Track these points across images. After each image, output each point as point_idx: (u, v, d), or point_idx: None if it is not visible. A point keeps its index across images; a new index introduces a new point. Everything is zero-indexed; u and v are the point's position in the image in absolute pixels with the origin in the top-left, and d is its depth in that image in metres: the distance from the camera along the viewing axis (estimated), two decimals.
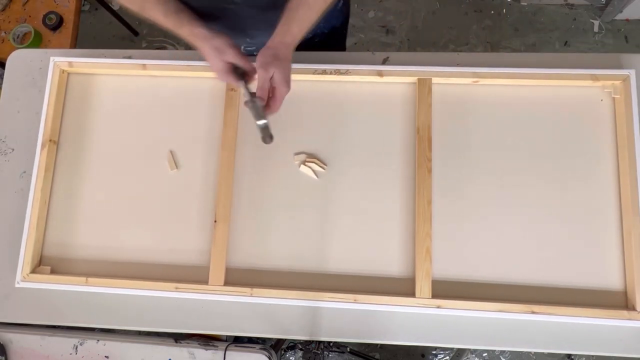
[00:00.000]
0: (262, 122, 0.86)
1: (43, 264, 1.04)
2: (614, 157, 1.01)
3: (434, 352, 1.89)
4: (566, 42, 2.15)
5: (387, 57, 1.10)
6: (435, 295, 0.94)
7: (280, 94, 0.85)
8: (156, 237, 1.04)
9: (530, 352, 1.88)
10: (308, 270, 1.00)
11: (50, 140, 1.06)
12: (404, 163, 1.03)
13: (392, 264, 0.99)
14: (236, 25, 0.94)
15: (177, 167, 1.07)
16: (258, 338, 1.25)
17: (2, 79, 1.33)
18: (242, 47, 1.03)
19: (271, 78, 0.83)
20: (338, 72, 1.06)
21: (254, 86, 0.87)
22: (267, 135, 0.88)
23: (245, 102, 0.86)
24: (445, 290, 0.96)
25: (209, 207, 1.04)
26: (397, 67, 1.05)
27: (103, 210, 1.06)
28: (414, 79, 1.05)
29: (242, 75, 0.89)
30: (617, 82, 1.02)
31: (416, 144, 1.02)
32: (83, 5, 2.17)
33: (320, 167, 1.04)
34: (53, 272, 1.03)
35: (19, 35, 1.59)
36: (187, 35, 0.87)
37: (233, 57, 0.85)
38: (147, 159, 1.08)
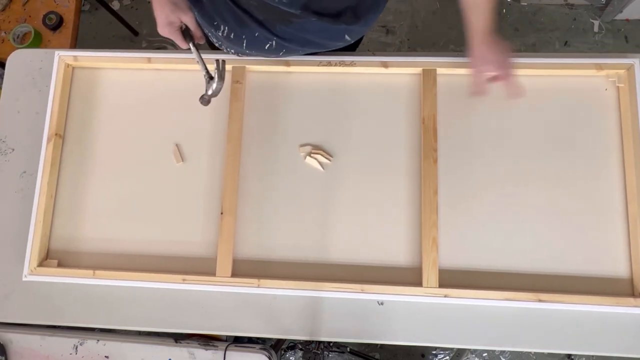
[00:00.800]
0: (213, 87, 0.92)
1: (50, 257, 1.05)
2: (619, 145, 1.01)
3: (434, 352, 1.89)
4: (566, 42, 2.15)
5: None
6: (443, 284, 0.95)
7: (511, 78, 0.95)
8: (163, 229, 1.04)
9: (530, 352, 1.88)
10: (315, 261, 1.01)
11: (56, 134, 1.07)
12: (409, 154, 1.04)
13: (398, 254, 1.00)
14: (299, 38, 0.96)
15: (183, 160, 1.08)
16: (258, 338, 1.24)
17: (2, 79, 1.33)
18: (281, 53, 1.04)
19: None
20: (343, 64, 1.06)
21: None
22: (208, 98, 0.94)
23: (197, 62, 0.93)
24: (452, 279, 0.97)
25: (215, 199, 1.04)
26: (402, 58, 1.06)
27: (109, 204, 1.07)
28: (418, 70, 1.06)
29: (192, 39, 0.94)
30: (622, 71, 1.02)
31: (422, 134, 1.02)
32: (83, 5, 2.17)
33: (326, 158, 1.04)
34: (60, 265, 1.03)
35: (19, 35, 1.59)
36: None
37: (188, 19, 0.90)
38: (153, 152, 1.08)
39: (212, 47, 1.17)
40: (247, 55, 1.06)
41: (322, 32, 0.95)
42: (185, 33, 0.93)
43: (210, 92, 0.93)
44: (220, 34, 0.98)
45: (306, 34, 0.95)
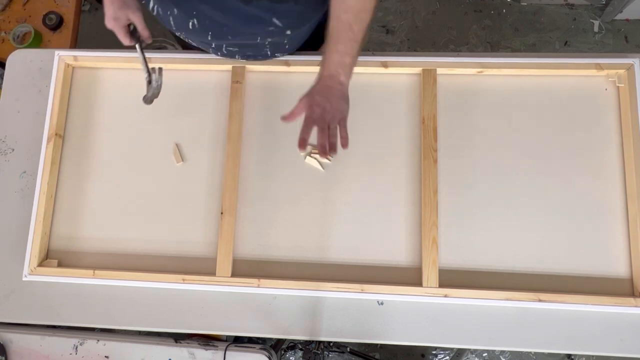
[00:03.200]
0: (150, 91, 0.97)
1: (50, 257, 1.05)
2: (619, 145, 1.01)
3: (434, 352, 1.89)
4: (566, 42, 2.15)
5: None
6: (442, 284, 0.95)
7: (343, 132, 0.85)
8: (163, 229, 1.04)
9: (530, 352, 1.88)
10: (315, 260, 1.01)
11: (56, 134, 1.07)
12: (409, 153, 1.04)
13: (398, 254, 1.00)
14: (218, 18, 0.89)
15: (183, 160, 1.08)
16: (258, 338, 1.24)
17: (2, 79, 1.33)
18: (224, 47, 1.01)
19: (323, 117, 0.84)
20: None
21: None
22: (149, 99, 0.97)
23: (142, 61, 0.97)
24: (452, 279, 0.97)
25: (215, 199, 1.04)
26: (402, 58, 1.06)
27: (109, 204, 1.07)
28: (418, 70, 1.06)
29: (138, 39, 0.97)
30: (622, 71, 1.03)
31: (421, 134, 1.02)
32: (83, 5, 2.17)
33: (326, 158, 1.04)
34: (60, 265, 1.03)
35: (19, 35, 1.58)
36: None
37: (136, 18, 0.93)
38: (153, 152, 1.08)
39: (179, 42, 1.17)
40: (189, 40, 1.03)
41: (240, 11, 0.86)
42: (133, 32, 0.96)
43: (150, 94, 0.97)
44: (151, 9, 0.96)
45: (226, 14, 0.88)
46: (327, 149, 0.83)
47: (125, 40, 0.97)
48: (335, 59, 0.82)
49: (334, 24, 0.80)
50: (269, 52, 1.04)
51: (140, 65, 0.98)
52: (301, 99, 0.85)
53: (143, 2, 0.97)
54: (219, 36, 0.95)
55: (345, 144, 0.85)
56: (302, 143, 0.83)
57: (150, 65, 0.98)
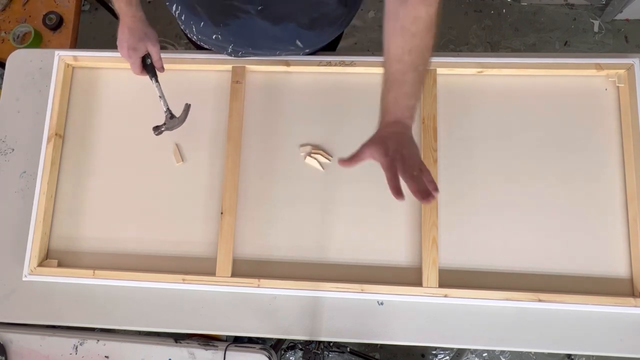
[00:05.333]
0: (172, 124, 1.00)
1: (50, 257, 1.05)
2: (619, 145, 1.01)
3: (434, 352, 1.89)
4: (566, 42, 2.15)
5: None
6: (442, 284, 0.95)
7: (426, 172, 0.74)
8: (163, 229, 1.04)
9: (530, 352, 1.88)
10: (315, 260, 1.01)
11: (56, 134, 1.07)
12: None
13: (398, 254, 1.00)
14: (244, 34, 0.94)
15: (182, 160, 1.08)
16: (258, 338, 1.24)
17: (2, 79, 1.33)
18: (240, 53, 1.03)
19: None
20: (343, 64, 1.06)
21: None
22: (162, 131, 1.00)
23: (160, 97, 1.00)
24: (452, 279, 0.97)
25: (215, 199, 1.05)
26: None
27: (109, 204, 1.07)
28: None
29: (153, 70, 0.99)
30: (622, 71, 1.03)
31: (422, 134, 1.02)
32: (83, 5, 2.17)
33: (326, 158, 1.04)
34: (60, 265, 1.03)
35: (19, 35, 1.58)
36: (127, 13, 0.90)
37: (155, 50, 0.95)
38: (153, 152, 1.09)
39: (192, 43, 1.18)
40: (204, 43, 1.05)
41: (268, 31, 0.91)
42: (148, 65, 0.98)
43: (167, 127, 1.00)
44: (174, 12, 0.98)
45: (253, 31, 0.92)
46: (426, 195, 0.72)
47: (138, 72, 0.97)
48: (402, 104, 0.75)
49: (397, 68, 0.73)
50: (281, 57, 1.08)
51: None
52: (366, 145, 0.77)
53: (167, 3, 0.98)
54: (239, 46, 1.00)
55: (435, 189, 0.74)
56: (398, 191, 0.72)
57: (167, 97, 1.01)
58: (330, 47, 1.19)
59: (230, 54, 1.06)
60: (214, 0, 0.85)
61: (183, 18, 0.97)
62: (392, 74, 0.74)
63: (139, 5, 0.92)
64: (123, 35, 0.93)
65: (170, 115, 1.01)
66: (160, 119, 1.02)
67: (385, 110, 0.77)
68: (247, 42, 0.98)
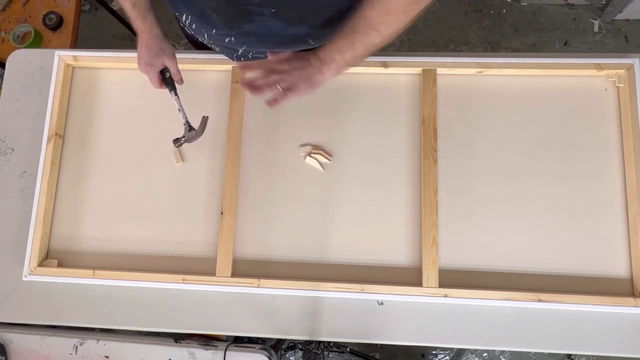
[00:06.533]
0: (191, 137, 1.01)
1: (50, 257, 1.05)
2: (619, 145, 1.01)
3: (434, 352, 1.89)
4: (566, 42, 2.15)
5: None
6: (442, 284, 0.95)
7: (288, 95, 0.82)
8: (163, 229, 1.04)
9: (530, 352, 1.88)
10: (315, 261, 1.01)
11: (56, 134, 1.07)
12: (409, 153, 1.04)
13: (398, 254, 1.00)
14: (258, 35, 0.94)
15: (183, 160, 1.08)
16: (258, 338, 1.24)
17: (2, 79, 1.33)
18: (251, 54, 1.03)
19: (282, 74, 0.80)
20: None
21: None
22: (182, 143, 1.01)
23: (179, 109, 1.00)
24: (452, 279, 0.97)
25: (215, 199, 1.05)
26: (402, 58, 1.06)
27: (110, 204, 1.07)
28: (418, 70, 1.06)
29: (172, 83, 1.00)
30: (622, 71, 1.03)
31: (421, 134, 1.02)
32: (83, 5, 2.17)
33: (326, 158, 1.04)
34: (60, 265, 1.03)
35: (19, 35, 1.58)
36: (144, 30, 0.91)
37: (171, 64, 0.97)
38: (153, 152, 1.09)
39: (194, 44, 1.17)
40: (215, 47, 1.05)
41: (282, 32, 0.92)
42: (167, 78, 0.99)
43: (187, 139, 1.01)
44: (184, 21, 0.98)
45: (267, 32, 0.92)
46: (255, 87, 0.80)
47: (157, 86, 0.99)
48: (339, 44, 0.78)
49: (355, 21, 0.75)
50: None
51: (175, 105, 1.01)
52: (278, 54, 0.83)
53: (177, 13, 0.99)
54: (252, 46, 0.99)
55: (271, 104, 0.81)
56: (249, 85, 0.79)
57: (186, 110, 1.02)
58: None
59: (240, 56, 1.05)
60: (228, 6, 0.85)
61: (194, 27, 0.97)
62: (348, 24, 0.76)
63: (154, 22, 0.93)
64: (141, 51, 0.95)
65: (189, 128, 1.01)
66: (158, 122, 1.02)
67: (322, 46, 0.81)
68: (260, 43, 0.98)
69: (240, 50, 1.02)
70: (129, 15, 0.90)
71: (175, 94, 1.01)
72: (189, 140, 1.02)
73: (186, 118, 1.01)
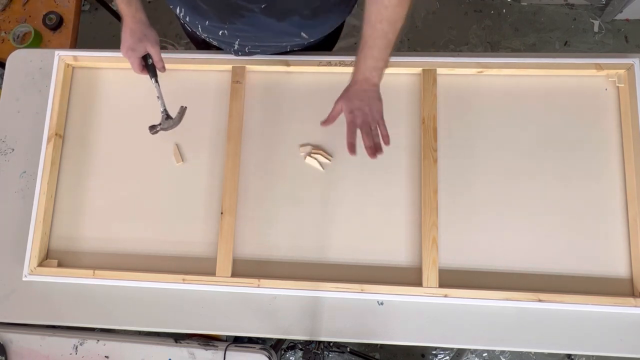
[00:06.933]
0: (167, 125, 1.02)
1: (50, 257, 1.05)
2: (619, 145, 1.02)
3: (434, 352, 1.89)
4: (566, 42, 2.15)
5: None
6: (442, 284, 0.95)
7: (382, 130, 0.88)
8: (163, 229, 1.04)
9: (530, 352, 1.88)
10: (314, 261, 1.01)
11: (56, 134, 1.07)
12: (409, 153, 1.04)
13: (398, 254, 1.00)
14: (250, 31, 0.95)
15: (182, 160, 1.08)
16: (258, 338, 1.24)
17: (2, 79, 1.33)
18: (247, 48, 1.03)
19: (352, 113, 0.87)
20: (343, 64, 1.06)
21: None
22: (158, 130, 1.02)
23: (157, 97, 1.01)
24: (452, 279, 0.97)
25: (215, 199, 1.05)
26: (402, 58, 1.06)
27: (110, 204, 1.07)
28: (418, 70, 1.06)
29: (154, 70, 1.00)
30: (622, 71, 1.03)
31: (421, 134, 1.02)
32: (83, 5, 2.17)
33: (326, 158, 1.04)
34: (60, 265, 1.03)
35: (19, 35, 1.58)
36: (128, 14, 0.92)
37: (154, 51, 0.96)
38: (153, 152, 1.09)
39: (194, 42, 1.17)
40: (212, 40, 1.06)
41: (273, 27, 0.94)
42: (149, 65, 0.99)
43: (163, 126, 1.02)
44: (178, 14, 0.99)
45: (258, 28, 0.95)
46: (375, 150, 0.87)
47: (138, 71, 0.99)
48: (369, 64, 0.85)
49: (370, 32, 0.82)
50: (288, 48, 1.08)
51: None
52: (337, 101, 0.90)
53: (171, 6, 0.99)
54: (246, 41, 1.00)
55: (387, 142, 0.89)
56: (352, 148, 0.87)
57: (166, 99, 1.02)
58: (334, 37, 1.20)
59: (237, 50, 1.05)
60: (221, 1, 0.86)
61: (188, 19, 0.98)
62: (365, 37, 0.83)
63: (140, 7, 0.93)
64: (124, 35, 0.95)
65: (167, 116, 1.02)
66: (158, 119, 1.02)
67: (356, 68, 0.88)
68: (253, 38, 0.98)
69: (236, 45, 1.02)
70: None
71: (156, 81, 1.00)
72: (165, 129, 1.02)
73: (164, 106, 1.02)
